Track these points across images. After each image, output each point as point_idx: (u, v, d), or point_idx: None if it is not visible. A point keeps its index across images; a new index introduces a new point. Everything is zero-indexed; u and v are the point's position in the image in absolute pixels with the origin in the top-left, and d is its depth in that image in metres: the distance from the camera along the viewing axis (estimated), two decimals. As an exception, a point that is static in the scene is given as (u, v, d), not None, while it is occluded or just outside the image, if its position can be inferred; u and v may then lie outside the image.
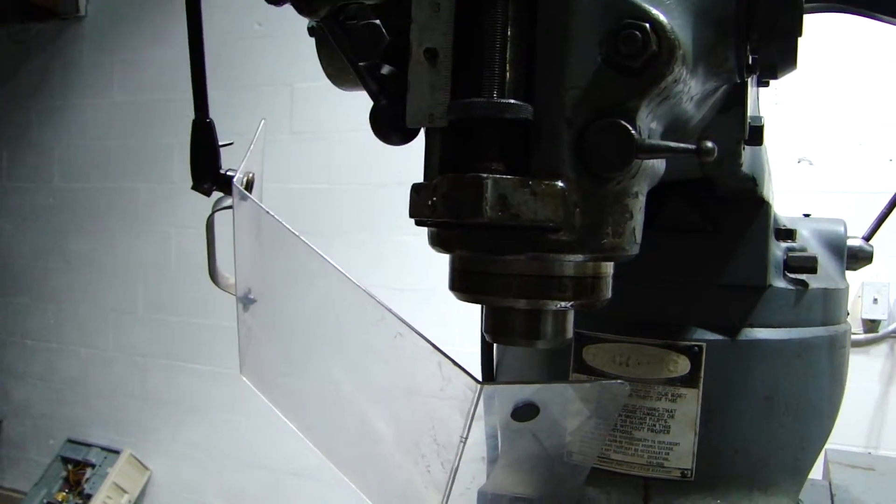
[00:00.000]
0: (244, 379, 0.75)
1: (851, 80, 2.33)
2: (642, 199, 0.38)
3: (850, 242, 0.83)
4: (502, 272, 0.37)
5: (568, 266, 0.37)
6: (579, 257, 0.37)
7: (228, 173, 0.64)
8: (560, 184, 0.34)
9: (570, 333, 0.41)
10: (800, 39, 0.41)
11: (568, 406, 0.60)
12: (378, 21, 0.34)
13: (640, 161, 0.34)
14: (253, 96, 3.29)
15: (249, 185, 0.64)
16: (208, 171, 0.63)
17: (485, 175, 0.31)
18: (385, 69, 0.35)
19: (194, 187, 0.64)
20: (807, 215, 0.86)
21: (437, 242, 0.37)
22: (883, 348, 2.47)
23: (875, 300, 2.44)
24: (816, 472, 0.98)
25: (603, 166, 0.33)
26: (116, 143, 3.62)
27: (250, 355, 0.73)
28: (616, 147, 0.32)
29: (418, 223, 0.36)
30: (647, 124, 0.35)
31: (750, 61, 0.40)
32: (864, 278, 2.43)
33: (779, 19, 0.38)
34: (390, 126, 0.34)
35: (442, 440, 0.56)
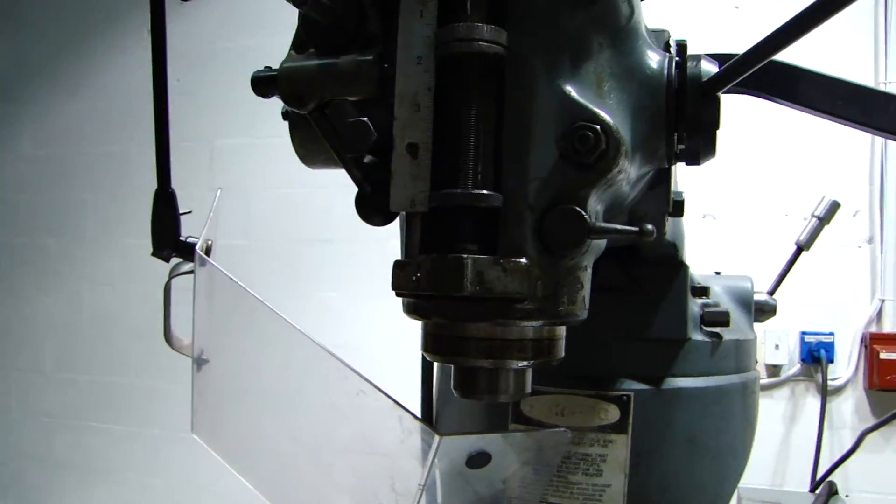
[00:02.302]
0: (195, 437, 0.77)
1: (751, 142, 2.50)
2: (590, 271, 0.44)
3: (756, 297, 0.91)
4: (472, 336, 0.42)
5: (528, 330, 0.43)
6: (539, 322, 0.42)
7: (189, 240, 0.67)
8: (524, 261, 0.39)
9: (528, 389, 0.46)
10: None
11: (515, 454, 0.65)
12: (366, 119, 0.39)
13: (590, 241, 0.40)
14: (172, 151, 3.29)
15: (208, 252, 0.68)
16: (169, 239, 0.66)
17: (465, 255, 0.37)
18: (367, 159, 0.40)
19: (154, 253, 0.67)
20: (718, 273, 0.94)
21: (414, 311, 0.42)
22: (785, 392, 2.61)
23: (777, 346, 2.58)
24: (732, 510, 1.05)
25: (560, 247, 0.38)
26: (26, 197, 3.54)
27: (201, 414, 0.75)
28: (572, 231, 0.38)
29: (399, 295, 0.41)
30: (595, 208, 0.41)
31: (677, 150, 0.46)
32: (766, 326, 2.58)
33: (702, 116, 0.45)
34: (374, 210, 0.39)
35: (400, 489, 0.60)
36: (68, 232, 3.50)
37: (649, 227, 0.39)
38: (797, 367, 2.58)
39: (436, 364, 0.81)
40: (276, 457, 0.70)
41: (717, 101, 0.44)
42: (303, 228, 3.09)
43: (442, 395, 0.82)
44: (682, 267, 0.72)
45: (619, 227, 0.39)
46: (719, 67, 0.46)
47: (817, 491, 1.14)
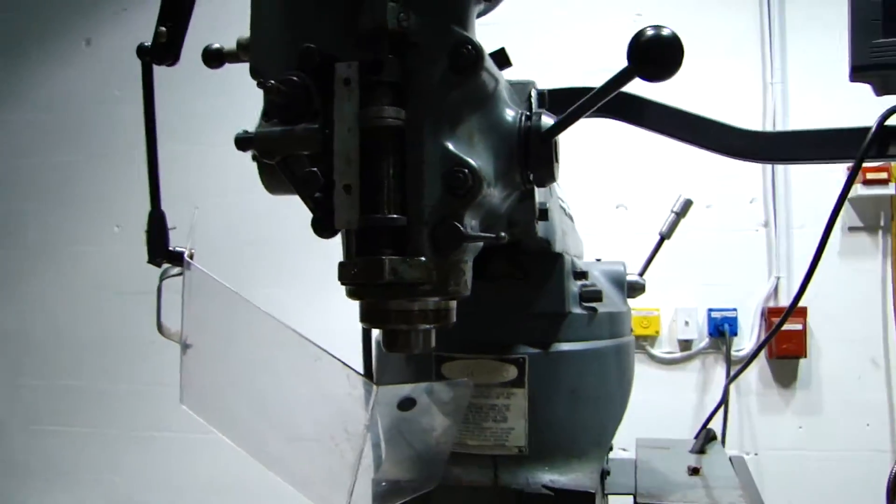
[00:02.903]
0: (184, 407, 0.95)
1: (658, 140, 2.75)
2: (470, 262, 0.65)
3: (628, 278, 1.13)
4: (392, 309, 0.62)
5: (429, 304, 0.63)
6: (436, 299, 0.63)
7: (178, 250, 0.86)
8: (423, 259, 0.60)
9: (433, 344, 0.66)
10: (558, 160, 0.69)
11: (434, 405, 0.86)
12: (315, 169, 0.59)
13: (466, 244, 0.60)
14: (116, 160, 3.39)
15: (192, 258, 0.87)
16: (161, 250, 0.85)
17: (384, 257, 0.57)
18: (317, 194, 0.60)
19: (150, 261, 0.86)
20: (598, 259, 1.16)
21: (353, 294, 0.62)
22: (696, 364, 2.86)
23: (686, 323, 2.83)
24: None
25: (446, 249, 0.59)
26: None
27: (189, 388, 0.94)
28: (452, 238, 0.58)
29: (343, 283, 0.61)
30: (469, 222, 0.61)
31: (529, 178, 0.67)
32: (676, 305, 2.84)
33: (541, 155, 0.66)
34: (324, 229, 0.59)
35: (351, 431, 0.80)
36: (9, 243, 3.56)
37: (503, 234, 0.60)
38: (706, 340, 2.84)
39: (373, 341, 1.01)
40: (253, 417, 0.89)
41: (552, 144, 0.65)
42: (242, 231, 3.23)
43: (379, 367, 1.02)
44: (559, 257, 0.93)
45: (481, 234, 0.59)
46: (561, 112, 0.67)
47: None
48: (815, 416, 2.79)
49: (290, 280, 3.08)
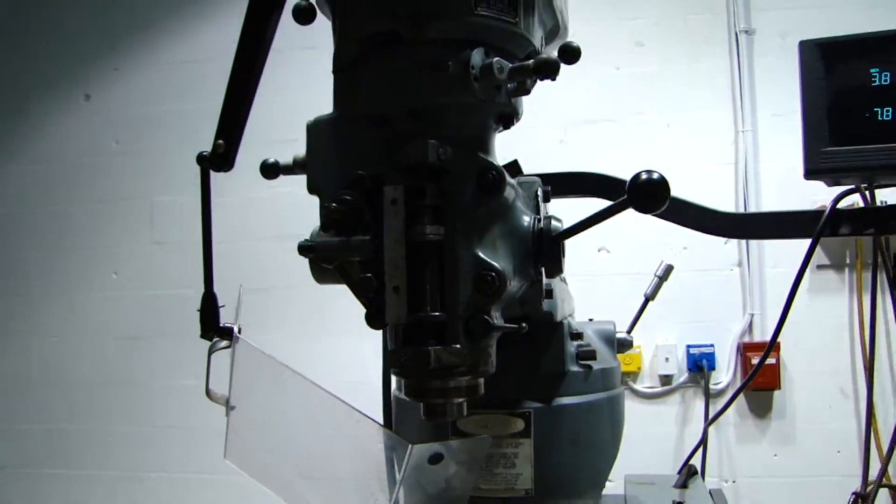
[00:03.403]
0: (228, 462, 1.07)
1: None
2: (495, 346, 0.79)
3: (618, 336, 1.27)
4: (435, 387, 0.76)
5: (462, 381, 0.76)
6: (468, 377, 0.76)
7: (228, 325, 0.99)
8: (458, 346, 0.73)
9: (465, 413, 0.80)
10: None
11: (454, 458, 0.98)
12: (370, 275, 0.72)
13: (494, 333, 0.74)
14: (113, 209, 3.50)
15: (240, 332, 1.00)
16: (213, 327, 0.97)
17: (429, 348, 0.71)
18: (369, 293, 0.73)
19: (203, 336, 0.98)
20: (591, 319, 1.29)
21: (401, 375, 0.75)
22: (676, 398, 2.98)
23: (667, 359, 2.94)
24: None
25: (477, 339, 0.72)
26: (-30, 258, 3.68)
27: (233, 445, 1.06)
28: (482, 330, 0.72)
29: (392, 368, 0.74)
30: (495, 314, 0.75)
31: (540, 271, 0.81)
32: (657, 342, 2.98)
33: (552, 254, 0.80)
34: (376, 322, 0.72)
35: (384, 483, 0.93)
36: (10, 289, 3.64)
37: (524, 325, 0.74)
38: (685, 375, 2.97)
39: (392, 398, 1.14)
40: (294, 472, 1.02)
41: (560, 245, 0.79)
42: (242, 279, 3.33)
43: (398, 421, 1.14)
44: (559, 325, 1.07)
45: (506, 325, 0.73)
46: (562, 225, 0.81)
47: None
48: (790, 445, 2.93)
49: (276, 325, 3.18)
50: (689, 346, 2.96)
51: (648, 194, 0.70)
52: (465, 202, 0.74)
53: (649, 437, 2.85)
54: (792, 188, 2.81)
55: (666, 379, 3.00)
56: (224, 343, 1.01)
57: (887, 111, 0.91)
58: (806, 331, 2.82)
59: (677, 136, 3.02)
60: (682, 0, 3.07)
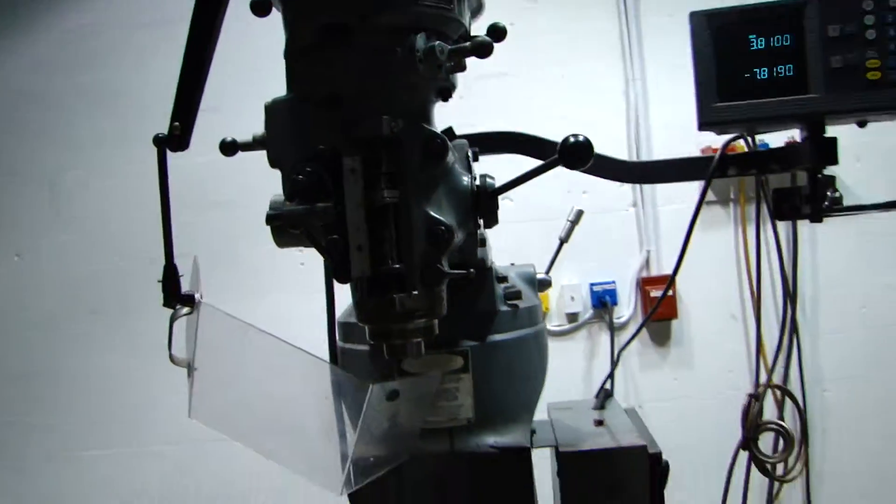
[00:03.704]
0: (194, 420, 1.15)
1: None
2: (445, 290, 0.91)
3: (538, 276, 1.40)
4: (395, 329, 0.87)
5: (420, 323, 0.88)
6: (425, 320, 0.88)
7: (189, 293, 1.06)
8: (417, 293, 0.84)
9: (423, 352, 0.91)
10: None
11: (407, 393, 1.10)
12: (338, 236, 0.82)
13: (445, 279, 0.85)
14: (10, 188, 3.42)
15: (199, 299, 1.08)
16: (175, 296, 1.05)
17: (394, 296, 0.82)
18: (336, 253, 0.83)
19: (165, 305, 1.06)
20: (512, 264, 1.42)
21: (368, 322, 0.86)
22: (583, 333, 3.18)
23: (572, 298, 3.13)
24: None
25: (432, 285, 0.84)
26: None
27: (198, 404, 1.14)
28: (436, 277, 0.83)
29: (361, 318, 0.85)
30: (445, 263, 0.86)
31: (479, 224, 0.93)
32: (562, 282, 3.16)
33: (489, 207, 0.92)
34: (343, 277, 0.82)
35: (348, 425, 1.04)
36: None
37: (472, 270, 0.87)
38: (590, 312, 3.16)
39: (338, 349, 1.24)
40: (259, 422, 1.11)
41: (496, 200, 0.91)
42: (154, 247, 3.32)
43: (343, 364, 1.23)
44: (489, 270, 1.19)
45: (456, 272, 0.84)
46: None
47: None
48: (688, 369, 3.19)
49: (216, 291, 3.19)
50: (592, 285, 3.16)
51: (576, 154, 0.82)
52: (414, 168, 0.85)
53: (561, 372, 2.99)
54: (679, 133, 3.01)
55: (572, 317, 3.20)
56: (185, 310, 1.09)
57: (763, 71, 1.06)
58: (698, 263, 3.03)
59: (571, 87, 3.18)
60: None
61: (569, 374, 3.10)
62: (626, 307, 3.18)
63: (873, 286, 3.19)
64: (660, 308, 3.05)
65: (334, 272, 0.83)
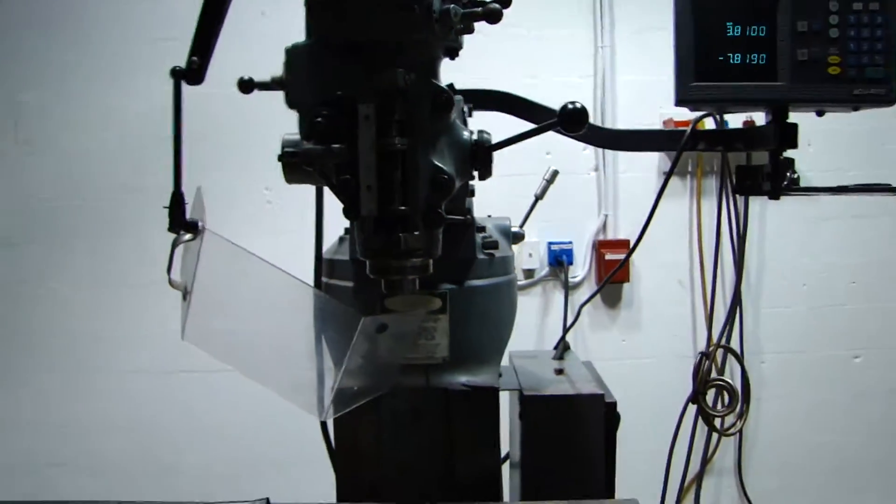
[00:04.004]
0: (187, 342, 1.22)
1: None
2: (440, 233, 0.99)
3: (512, 230, 1.48)
4: (395, 266, 0.95)
5: (418, 261, 0.96)
6: (422, 258, 0.97)
7: (192, 219, 1.12)
8: (418, 233, 0.93)
9: (417, 288, 1.00)
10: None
11: (392, 328, 1.18)
12: (349, 176, 0.89)
13: (444, 222, 0.94)
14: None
15: (203, 227, 1.14)
16: (180, 222, 1.11)
17: (400, 234, 0.90)
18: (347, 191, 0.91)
19: (171, 230, 1.12)
20: (489, 216, 1.51)
21: (373, 257, 0.95)
22: (538, 289, 3.28)
23: (530, 255, 3.22)
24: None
25: (433, 227, 0.92)
26: None
27: (192, 327, 1.21)
28: (437, 220, 0.91)
29: (366, 253, 0.93)
30: (444, 207, 0.95)
31: (475, 173, 1.01)
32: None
33: (484, 159, 1.00)
34: (352, 215, 0.90)
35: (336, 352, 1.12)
36: None
37: (468, 217, 0.95)
38: (546, 269, 3.27)
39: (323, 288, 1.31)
40: (249, 346, 1.18)
41: (491, 155, 1.00)
42: (117, 178, 3.31)
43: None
44: (473, 221, 1.28)
45: (455, 217, 0.93)
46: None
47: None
48: (636, 331, 3.33)
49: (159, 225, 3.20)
50: (550, 243, 3.26)
51: (575, 120, 0.91)
52: (422, 118, 0.92)
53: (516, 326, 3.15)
54: (643, 100, 3.14)
55: (529, 273, 3.30)
56: (187, 237, 1.15)
57: (737, 56, 1.16)
58: (652, 230, 3.12)
59: (544, 49, 3.25)
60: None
61: (524, 328, 3.20)
62: (581, 268, 3.29)
63: (815, 266, 3.36)
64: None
65: (344, 210, 0.91)
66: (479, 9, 0.89)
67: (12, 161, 3.32)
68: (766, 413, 3.35)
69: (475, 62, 3.06)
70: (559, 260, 3.24)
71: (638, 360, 3.30)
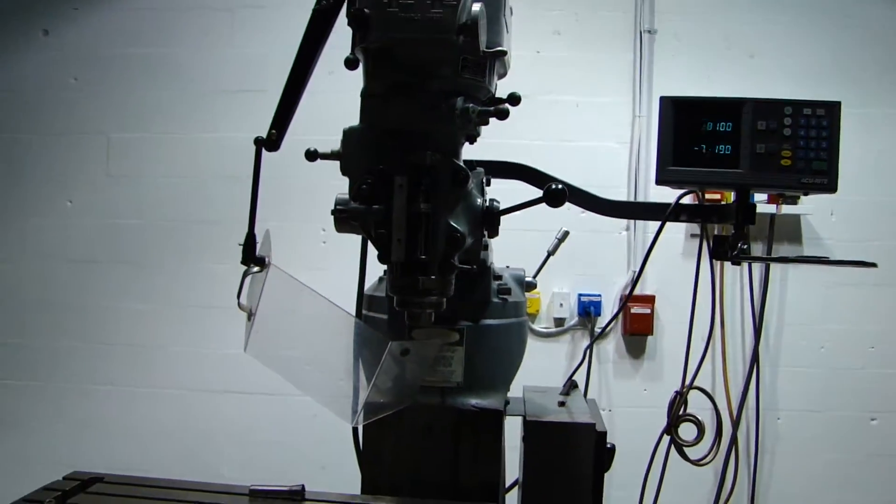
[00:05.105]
0: (248, 355, 1.48)
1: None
2: (453, 279, 1.25)
3: (526, 279, 1.71)
4: (416, 301, 1.21)
5: (434, 299, 1.22)
6: (437, 296, 1.23)
7: (260, 255, 1.40)
8: (434, 277, 1.19)
9: (432, 321, 1.25)
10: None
11: (414, 353, 1.43)
12: (384, 231, 1.16)
13: (456, 270, 1.20)
14: (70, 141, 3.73)
15: (269, 262, 1.41)
16: (251, 257, 1.38)
17: (419, 277, 1.16)
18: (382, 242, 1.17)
19: (243, 262, 1.38)
20: (507, 266, 1.75)
21: (397, 294, 1.21)
22: (567, 337, 3.48)
23: (561, 305, 3.44)
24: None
25: (447, 273, 1.18)
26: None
27: (253, 343, 1.47)
28: (450, 269, 1.17)
29: (391, 290, 1.20)
30: (457, 259, 1.21)
31: (485, 234, 1.28)
32: (553, 290, 3.49)
33: (493, 224, 1.26)
34: (385, 261, 1.17)
35: (367, 368, 1.38)
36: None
37: (475, 266, 1.21)
38: (575, 319, 3.49)
39: (363, 317, 1.57)
40: (299, 362, 1.45)
41: (498, 218, 1.26)
42: (191, 211, 3.65)
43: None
44: (489, 268, 1.52)
45: (465, 266, 1.19)
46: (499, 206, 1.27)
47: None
48: (657, 382, 3.51)
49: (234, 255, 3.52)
50: (580, 295, 3.49)
51: (555, 197, 1.17)
52: (444, 189, 1.19)
53: (544, 370, 3.30)
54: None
55: (559, 321, 3.53)
56: (255, 269, 1.42)
57: (707, 146, 1.42)
58: (677, 287, 3.35)
59: (585, 115, 3.52)
60: (595, -3, 3.54)
61: (551, 373, 3.37)
62: (609, 319, 3.50)
63: (834, 330, 3.51)
64: (637, 324, 3.38)
65: (379, 256, 1.18)
66: (492, 108, 1.15)
67: (102, 190, 3.70)
68: (780, 468, 3.48)
69: (526, 123, 3.39)
70: (588, 311, 3.45)
71: (659, 409, 3.44)
